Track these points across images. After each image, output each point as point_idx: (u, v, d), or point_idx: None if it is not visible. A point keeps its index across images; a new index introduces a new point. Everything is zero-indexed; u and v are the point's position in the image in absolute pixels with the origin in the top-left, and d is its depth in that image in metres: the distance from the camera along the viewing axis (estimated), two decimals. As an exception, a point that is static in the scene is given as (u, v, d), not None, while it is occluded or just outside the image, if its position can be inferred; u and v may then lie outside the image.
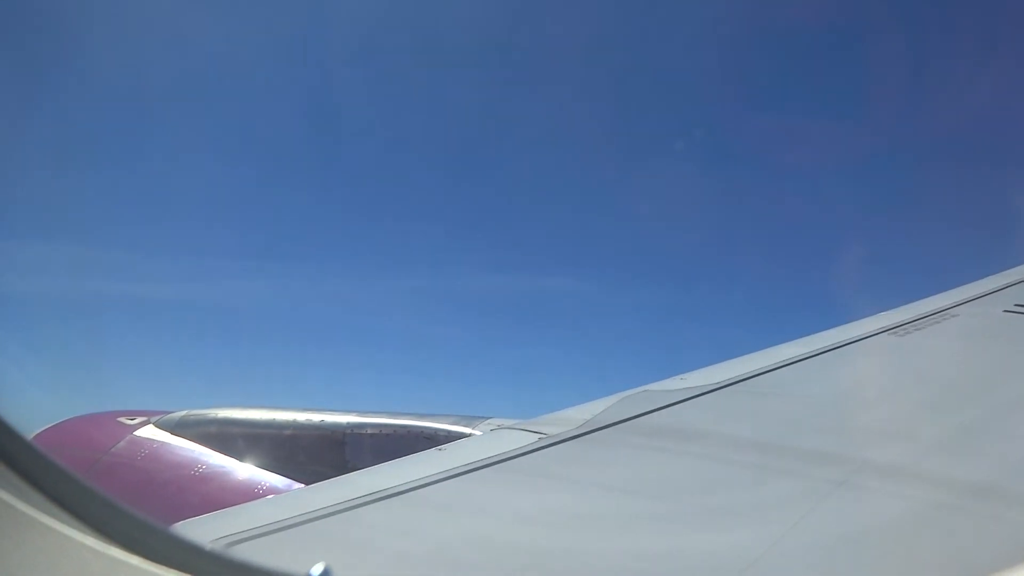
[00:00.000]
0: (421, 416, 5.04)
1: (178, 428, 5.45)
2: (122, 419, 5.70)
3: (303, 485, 4.78)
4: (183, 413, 5.56)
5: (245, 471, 5.15)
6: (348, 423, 5.09)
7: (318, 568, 1.29)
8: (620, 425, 3.67)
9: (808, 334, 5.80)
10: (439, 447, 3.46)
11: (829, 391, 4.79)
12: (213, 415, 5.49)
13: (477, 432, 4.53)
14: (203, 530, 2.36)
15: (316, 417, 5.21)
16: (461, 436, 4.51)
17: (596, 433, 3.54)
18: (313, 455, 5.08)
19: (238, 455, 5.22)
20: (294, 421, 5.22)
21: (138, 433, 5.49)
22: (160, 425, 5.54)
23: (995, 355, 5.69)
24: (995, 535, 2.58)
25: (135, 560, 1.30)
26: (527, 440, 3.38)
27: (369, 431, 5.03)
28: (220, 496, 4.94)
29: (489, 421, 4.61)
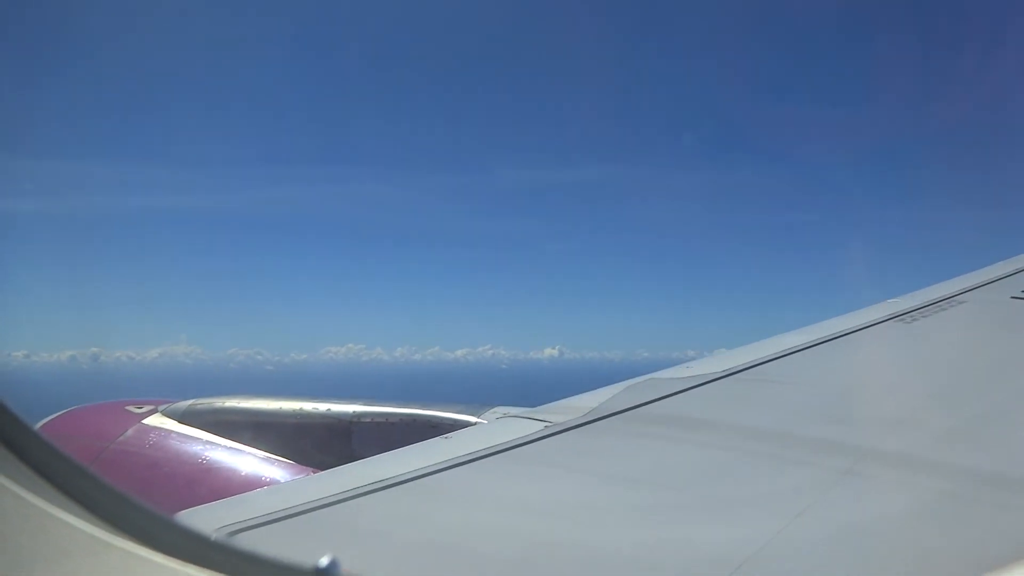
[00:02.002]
0: (427, 405, 5.04)
1: (185, 417, 5.48)
2: (130, 407, 5.72)
3: (310, 473, 4.80)
4: (190, 402, 5.58)
5: (252, 459, 5.18)
6: (354, 412, 5.10)
7: (325, 560, 1.29)
8: (626, 413, 3.67)
9: (817, 321, 5.79)
10: (445, 436, 3.46)
11: (836, 379, 4.78)
12: (220, 404, 5.51)
13: (483, 420, 4.53)
14: (210, 518, 2.37)
15: (322, 406, 5.22)
16: (467, 424, 4.52)
17: (602, 421, 3.54)
18: (319, 444, 5.09)
19: (245, 444, 5.25)
20: (300, 410, 5.24)
21: (146, 421, 5.52)
22: (167, 413, 5.56)
23: (1003, 342, 5.66)
24: (1004, 525, 2.58)
25: (143, 551, 1.31)
26: (533, 428, 3.38)
27: (375, 420, 5.04)
28: (227, 484, 4.97)
29: (495, 409, 4.61)
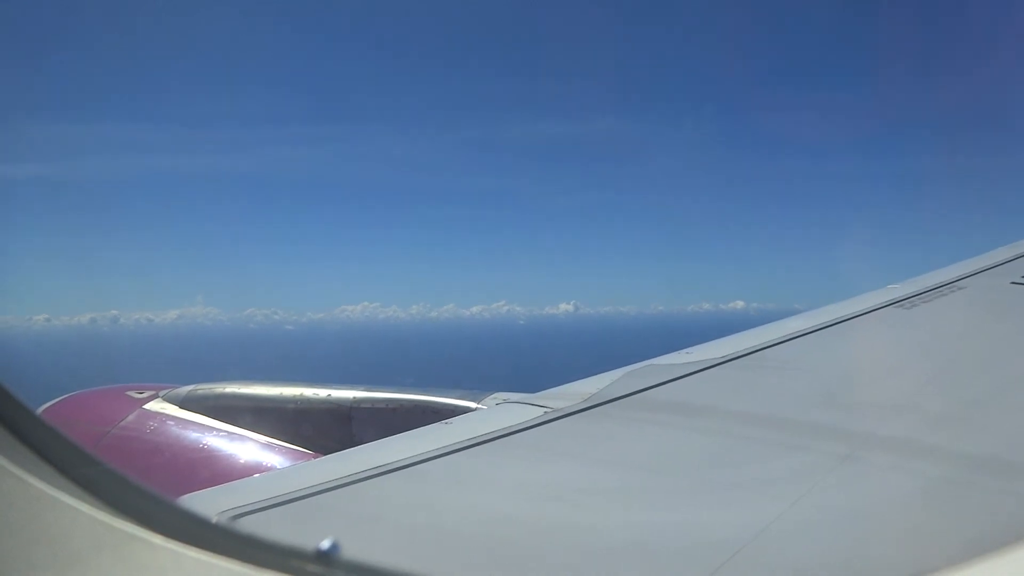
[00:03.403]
0: (427, 391, 5.06)
1: (186, 402, 5.49)
2: (131, 392, 5.74)
3: (311, 458, 4.82)
4: (191, 387, 5.59)
5: (253, 444, 5.20)
6: (354, 398, 5.11)
7: (326, 543, 1.30)
8: (625, 399, 3.68)
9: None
10: (446, 421, 3.47)
11: (835, 365, 4.79)
12: (221, 389, 5.52)
13: (482, 406, 4.54)
14: (211, 503, 2.38)
15: (323, 392, 5.23)
16: (467, 410, 4.53)
17: (601, 407, 3.55)
18: (320, 429, 5.11)
19: (246, 429, 5.27)
20: (301, 396, 5.25)
21: (147, 407, 5.54)
22: (168, 399, 5.58)
23: (1003, 327, 5.67)
24: (1003, 509, 2.59)
25: (144, 533, 1.32)
26: (532, 414, 3.39)
27: (375, 406, 5.06)
28: (228, 469, 4.99)
29: (495, 395, 4.62)
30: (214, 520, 1.95)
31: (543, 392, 3.81)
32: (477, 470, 2.85)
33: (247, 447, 5.20)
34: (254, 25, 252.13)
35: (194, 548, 1.31)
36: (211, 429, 5.32)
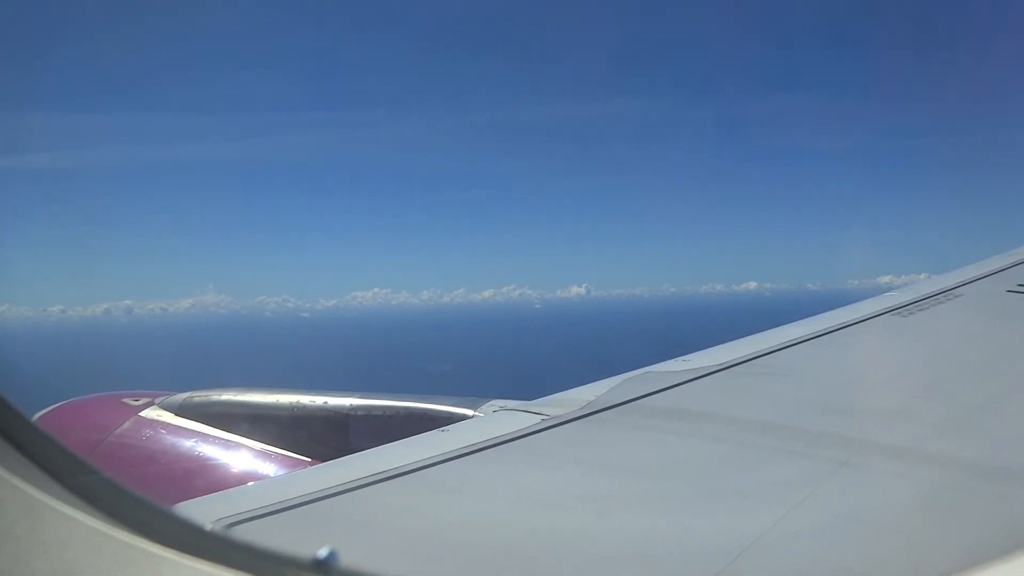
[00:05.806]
0: (424, 398, 5.05)
1: (182, 409, 5.47)
2: (126, 400, 5.71)
3: (308, 466, 4.80)
4: (187, 394, 5.57)
5: (249, 452, 5.18)
6: (351, 405, 5.10)
7: (324, 551, 1.29)
8: (623, 406, 3.68)
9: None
10: (443, 428, 3.46)
11: (833, 372, 4.79)
12: (217, 396, 5.50)
13: (479, 414, 4.53)
14: (208, 510, 2.37)
15: (319, 399, 5.22)
16: (463, 418, 4.52)
17: (599, 414, 3.55)
18: (317, 437, 5.09)
19: (242, 436, 5.25)
20: (297, 403, 5.24)
21: (143, 414, 5.51)
22: (164, 406, 5.55)
23: (999, 335, 5.69)
24: (1001, 516, 2.59)
25: (141, 542, 1.31)
26: (530, 421, 3.39)
27: (372, 413, 5.05)
28: (225, 477, 4.97)
29: (492, 403, 4.61)
30: (210, 528, 1.94)
31: (540, 399, 3.81)
32: (476, 477, 2.85)
33: (243, 455, 5.18)
34: (264, 9, 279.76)
35: (190, 556, 1.31)
36: (207, 437, 5.29)
